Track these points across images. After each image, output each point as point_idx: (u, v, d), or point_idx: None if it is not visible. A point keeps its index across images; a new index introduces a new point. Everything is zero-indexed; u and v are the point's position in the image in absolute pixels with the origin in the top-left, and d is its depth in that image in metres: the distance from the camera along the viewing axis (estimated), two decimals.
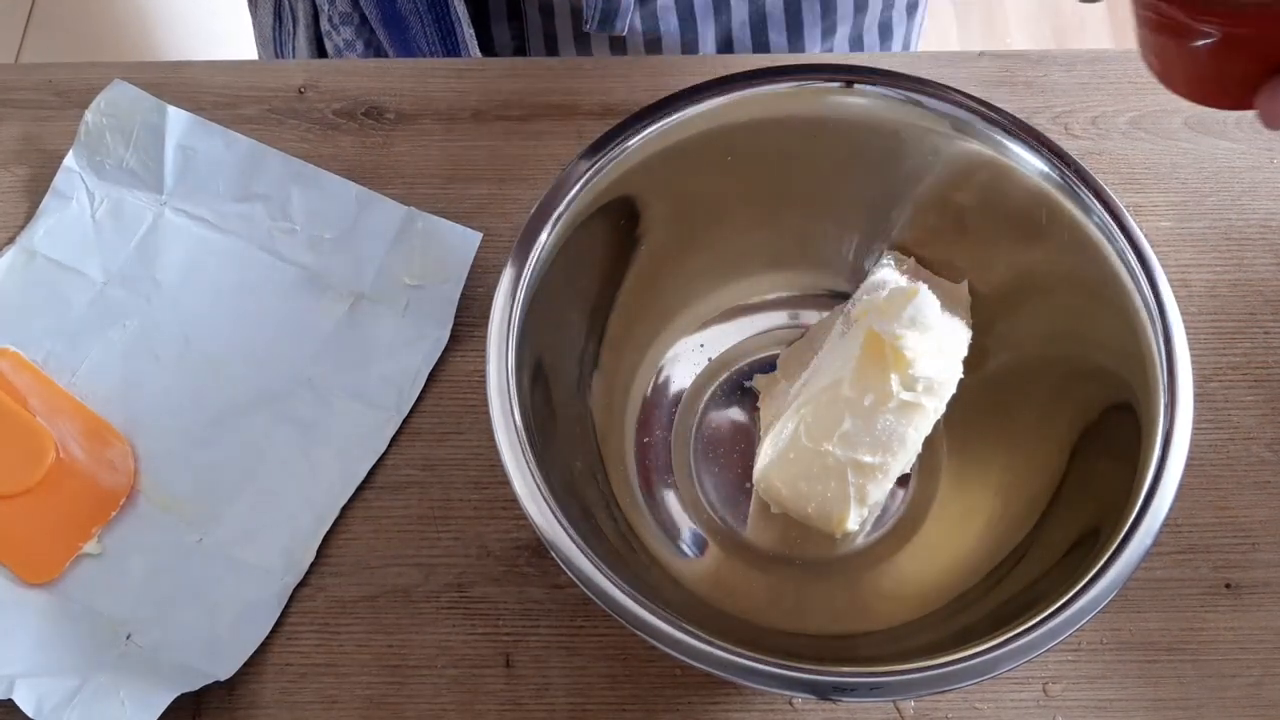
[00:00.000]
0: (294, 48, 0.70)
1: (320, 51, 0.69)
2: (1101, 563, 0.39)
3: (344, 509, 0.49)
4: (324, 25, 0.67)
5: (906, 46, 0.72)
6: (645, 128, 0.45)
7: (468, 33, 0.63)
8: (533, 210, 0.44)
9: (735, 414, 0.51)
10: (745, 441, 0.50)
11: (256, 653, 0.46)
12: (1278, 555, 0.49)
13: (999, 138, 0.46)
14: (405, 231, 0.53)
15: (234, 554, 0.48)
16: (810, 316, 0.52)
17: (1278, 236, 0.56)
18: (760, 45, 0.66)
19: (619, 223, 0.47)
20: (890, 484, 0.46)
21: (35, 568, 0.47)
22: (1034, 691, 0.46)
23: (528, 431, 0.41)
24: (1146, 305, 0.43)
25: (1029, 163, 0.45)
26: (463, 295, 0.53)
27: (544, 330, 0.44)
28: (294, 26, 0.69)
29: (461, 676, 0.46)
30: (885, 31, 0.70)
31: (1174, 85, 0.39)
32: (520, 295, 0.43)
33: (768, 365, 0.52)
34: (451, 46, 0.63)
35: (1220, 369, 0.52)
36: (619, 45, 0.65)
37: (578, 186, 0.45)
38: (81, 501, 0.49)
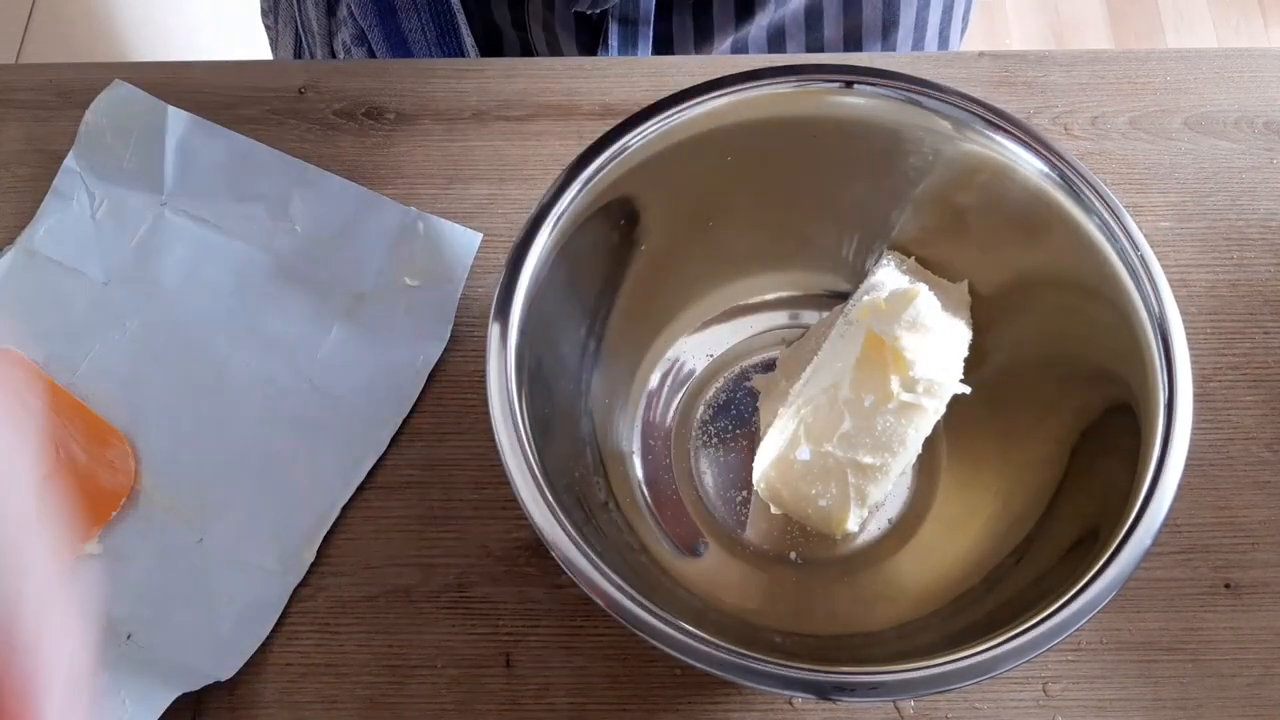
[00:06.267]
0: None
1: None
2: (1101, 562, 0.39)
3: (344, 509, 0.49)
4: (338, 49, 0.68)
5: None
6: (645, 128, 0.45)
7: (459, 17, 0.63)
8: (533, 210, 0.44)
9: (735, 414, 0.51)
10: (745, 442, 0.50)
11: (257, 653, 0.46)
12: (1277, 555, 0.49)
13: (999, 138, 0.46)
14: (405, 232, 0.53)
15: (234, 554, 0.48)
16: (810, 316, 0.52)
17: (1277, 236, 0.56)
18: None
19: (619, 223, 0.47)
20: (890, 485, 0.46)
21: None
22: (1034, 691, 0.46)
23: (528, 431, 0.41)
24: (1146, 305, 0.43)
25: (1029, 163, 0.45)
26: (463, 295, 0.53)
27: (544, 330, 0.44)
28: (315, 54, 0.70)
29: (461, 676, 0.46)
30: None
31: None
32: (520, 295, 0.43)
33: (768, 365, 0.52)
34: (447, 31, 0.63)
35: (1220, 369, 0.52)
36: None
37: (578, 186, 0.45)
38: (82, 501, 0.49)
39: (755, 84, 0.46)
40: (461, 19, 0.63)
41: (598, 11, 0.62)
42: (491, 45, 0.67)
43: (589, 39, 0.64)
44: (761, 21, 0.64)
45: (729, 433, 0.50)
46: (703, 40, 0.65)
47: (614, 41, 0.62)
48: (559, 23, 0.64)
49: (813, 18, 0.65)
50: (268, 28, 0.75)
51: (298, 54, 0.72)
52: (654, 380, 0.51)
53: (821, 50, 0.66)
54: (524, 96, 0.58)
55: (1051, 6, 1.65)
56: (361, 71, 0.59)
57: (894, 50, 0.67)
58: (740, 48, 0.66)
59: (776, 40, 0.66)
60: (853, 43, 0.66)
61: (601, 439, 0.48)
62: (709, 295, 0.52)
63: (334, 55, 0.68)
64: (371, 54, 0.66)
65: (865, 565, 0.48)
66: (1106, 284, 0.44)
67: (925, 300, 0.43)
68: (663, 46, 0.65)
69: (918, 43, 0.68)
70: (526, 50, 0.67)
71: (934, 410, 0.45)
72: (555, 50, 0.66)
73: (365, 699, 0.46)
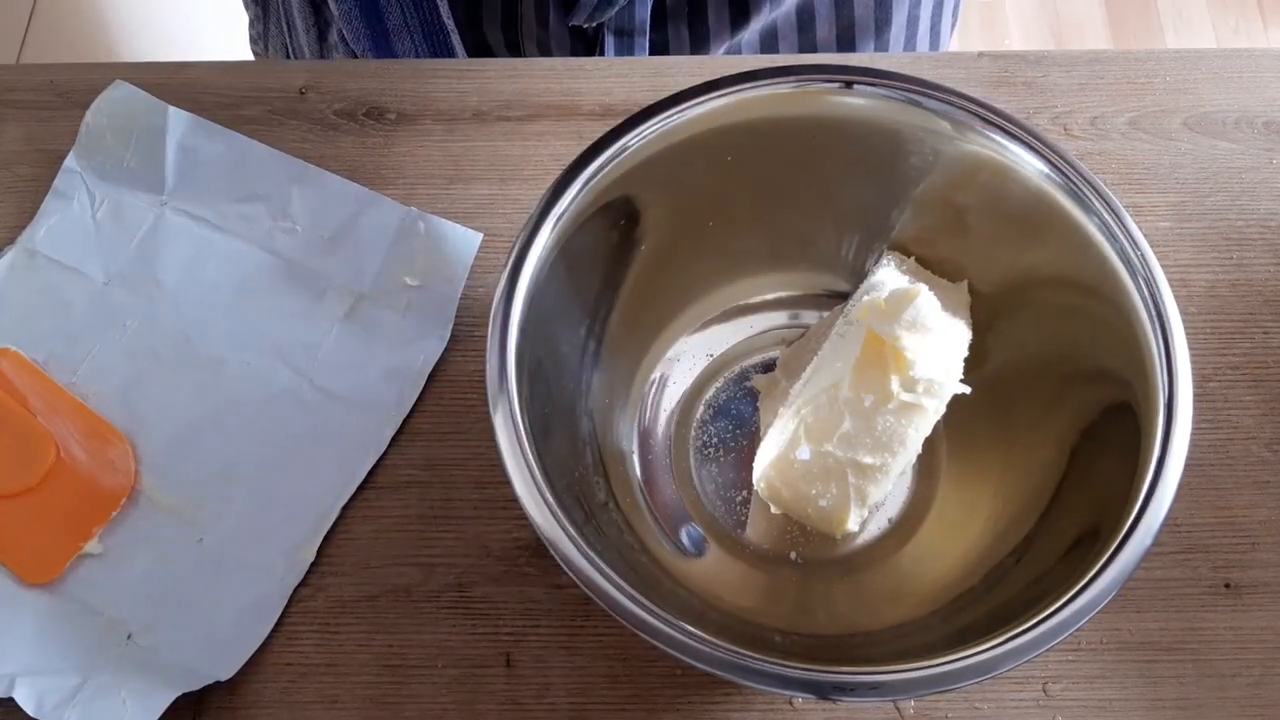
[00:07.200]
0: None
1: None
2: (1101, 562, 0.39)
3: (344, 509, 0.49)
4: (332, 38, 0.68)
5: None
6: (645, 128, 0.45)
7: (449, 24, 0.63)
8: (533, 210, 0.44)
9: (735, 414, 0.51)
10: (745, 441, 0.50)
11: (257, 653, 0.46)
12: (1277, 555, 0.49)
13: (998, 138, 0.46)
14: (406, 232, 0.53)
15: (234, 554, 0.48)
16: (810, 316, 0.52)
17: (1277, 237, 0.56)
18: None
19: (619, 223, 0.47)
20: (890, 485, 0.46)
21: (36, 568, 0.47)
22: (1034, 691, 0.46)
23: (528, 431, 0.41)
24: (1146, 305, 0.43)
25: (1029, 163, 0.45)
26: (463, 295, 0.53)
27: (544, 330, 0.44)
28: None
29: (462, 676, 0.46)
30: None
31: None
32: (520, 295, 0.43)
33: (768, 365, 0.52)
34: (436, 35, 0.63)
35: (1220, 369, 0.52)
36: None
37: (578, 186, 0.45)
38: (82, 501, 0.49)
39: (755, 84, 0.46)
40: (456, 39, 0.63)
41: (593, 25, 0.62)
42: None
43: (584, 52, 0.64)
44: (755, 25, 0.64)
45: (729, 432, 0.50)
46: (698, 47, 0.65)
47: (610, 53, 0.62)
48: (553, 40, 0.64)
49: (804, 18, 0.65)
50: (256, 54, 0.75)
51: None
52: (654, 380, 0.51)
53: (814, 50, 0.66)
54: (524, 96, 0.58)
55: (1051, 7, 1.65)
56: (362, 71, 0.60)
57: (887, 49, 0.67)
58: (733, 50, 0.66)
59: (769, 42, 0.66)
60: (845, 42, 0.66)
61: (601, 439, 0.48)
62: (709, 295, 0.52)
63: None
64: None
65: (865, 565, 0.48)
66: (1106, 284, 0.44)
67: (925, 300, 0.43)
68: (658, 54, 0.65)
69: (910, 40, 0.68)
70: None
71: (934, 410, 0.45)
72: None
73: (365, 699, 0.46)
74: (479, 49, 0.66)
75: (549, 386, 0.45)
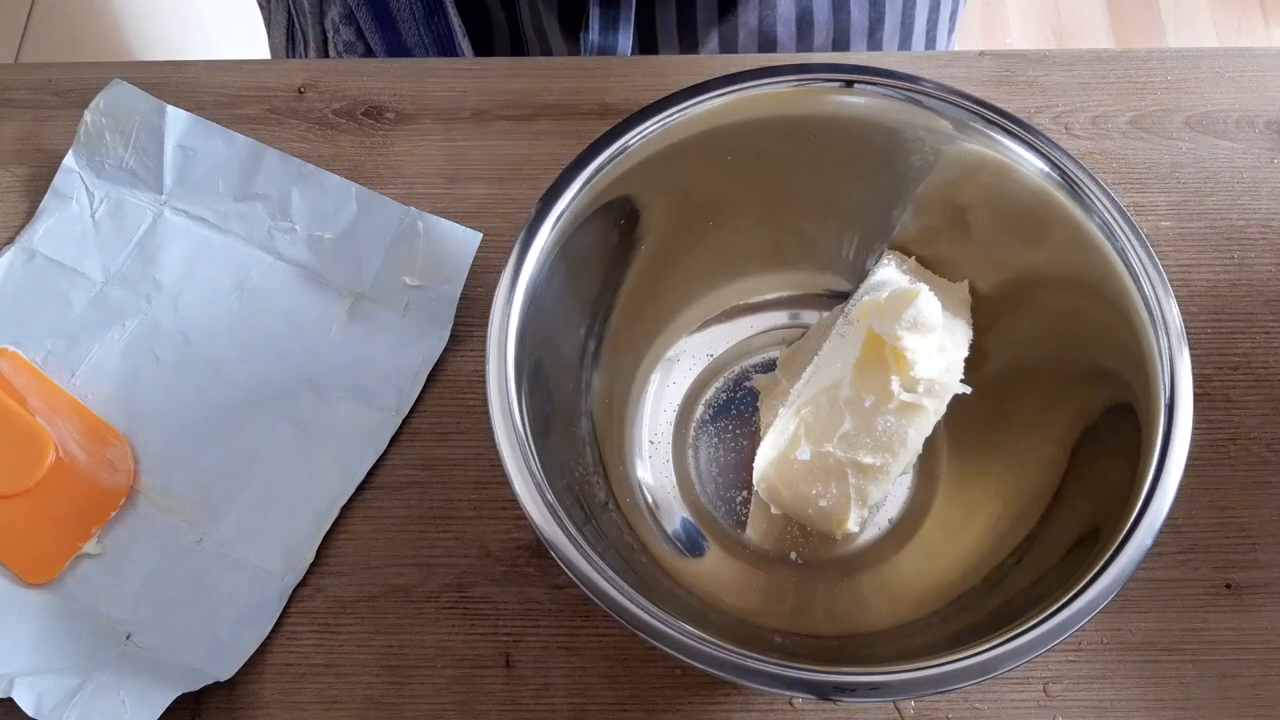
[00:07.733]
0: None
1: None
2: (1102, 563, 0.39)
3: (344, 509, 0.49)
4: (328, 28, 0.68)
5: None
6: (645, 128, 0.45)
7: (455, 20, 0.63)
8: (533, 210, 0.44)
9: (735, 414, 0.51)
10: (745, 441, 0.50)
11: (256, 653, 0.46)
12: (1278, 555, 0.49)
13: (999, 137, 0.46)
14: (405, 231, 0.53)
15: (234, 554, 0.48)
16: (810, 316, 0.52)
17: (1278, 236, 0.56)
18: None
19: (619, 223, 0.47)
20: (890, 485, 0.46)
21: (35, 568, 0.47)
22: (1034, 691, 0.46)
23: (528, 431, 0.41)
24: (1147, 305, 0.43)
25: (1029, 162, 0.45)
26: (463, 295, 0.52)
27: (544, 330, 0.44)
28: (305, 50, 0.70)
29: (461, 676, 0.46)
30: None
31: None
32: (520, 295, 0.43)
33: (768, 365, 0.52)
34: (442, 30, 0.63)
35: (1221, 369, 0.52)
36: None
37: (578, 186, 0.44)
38: (81, 501, 0.49)
39: (755, 83, 0.46)
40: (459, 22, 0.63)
41: None
42: (480, 26, 0.67)
43: (572, 21, 0.64)
44: (750, 21, 0.64)
45: (729, 433, 0.50)
46: (686, 29, 0.65)
47: (595, 24, 0.62)
48: (542, 2, 0.64)
49: (804, 25, 0.65)
50: (261, 6, 0.76)
51: (290, 33, 0.72)
52: (654, 380, 0.51)
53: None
54: (524, 96, 0.58)
55: (1052, 6, 1.65)
56: (361, 71, 0.59)
57: (880, 49, 0.67)
58: (729, 49, 0.66)
59: (768, 49, 0.66)
60: (840, 44, 0.66)
61: (601, 439, 0.48)
62: (709, 295, 0.52)
63: (324, 33, 0.68)
64: (360, 33, 0.66)
65: (866, 565, 0.48)
66: (1107, 284, 0.44)
67: (926, 300, 0.43)
68: (646, 33, 0.65)
69: (904, 43, 0.68)
70: (515, 33, 0.67)
71: (934, 410, 0.45)
72: (541, 33, 0.66)
73: (365, 699, 0.46)
74: (475, 11, 0.66)
75: (549, 386, 0.45)
